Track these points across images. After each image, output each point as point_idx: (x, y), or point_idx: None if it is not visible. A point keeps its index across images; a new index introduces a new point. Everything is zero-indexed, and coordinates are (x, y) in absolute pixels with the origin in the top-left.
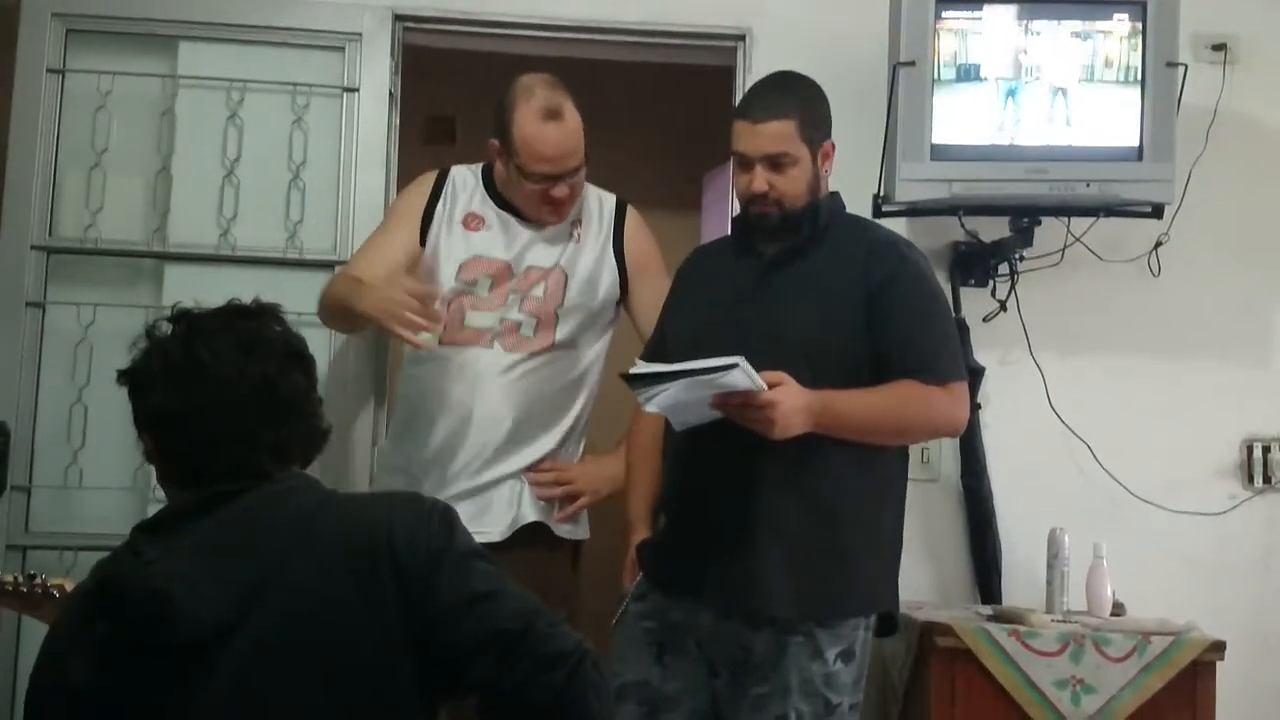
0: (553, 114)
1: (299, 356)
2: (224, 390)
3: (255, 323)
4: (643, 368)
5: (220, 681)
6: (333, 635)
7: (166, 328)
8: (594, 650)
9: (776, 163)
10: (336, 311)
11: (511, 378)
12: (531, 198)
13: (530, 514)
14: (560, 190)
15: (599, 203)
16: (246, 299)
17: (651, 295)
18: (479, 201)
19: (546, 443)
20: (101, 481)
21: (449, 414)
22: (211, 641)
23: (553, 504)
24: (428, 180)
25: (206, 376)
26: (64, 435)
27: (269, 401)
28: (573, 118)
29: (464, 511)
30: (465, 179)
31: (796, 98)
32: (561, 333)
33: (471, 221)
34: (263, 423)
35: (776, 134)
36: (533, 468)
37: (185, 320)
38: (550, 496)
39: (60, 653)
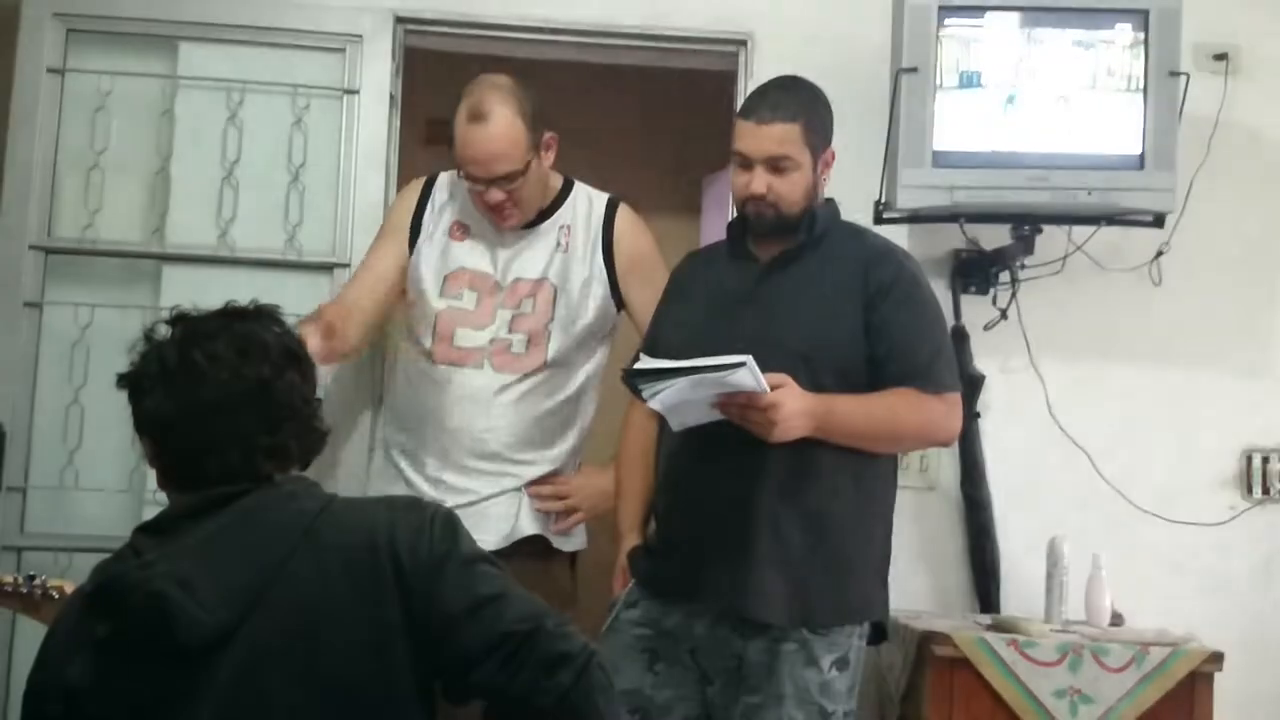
0: (477, 116)
1: (296, 358)
2: (220, 393)
3: (252, 325)
4: (647, 363)
5: (219, 685)
6: (333, 640)
7: (164, 331)
8: (600, 652)
9: (777, 165)
10: None
11: (504, 399)
12: (474, 199)
13: (528, 527)
14: (493, 196)
15: (589, 205)
16: (245, 301)
17: (649, 294)
18: (465, 209)
19: (544, 463)
20: (97, 483)
21: (443, 432)
22: (211, 644)
23: (550, 515)
24: (414, 188)
25: (202, 379)
26: (60, 436)
27: (265, 404)
28: (502, 122)
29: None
30: (453, 185)
31: (803, 102)
32: (553, 349)
33: (457, 230)
34: (260, 425)
35: (780, 137)
36: (532, 484)
37: (182, 323)
38: (549, 509)
39: (59, 654)
